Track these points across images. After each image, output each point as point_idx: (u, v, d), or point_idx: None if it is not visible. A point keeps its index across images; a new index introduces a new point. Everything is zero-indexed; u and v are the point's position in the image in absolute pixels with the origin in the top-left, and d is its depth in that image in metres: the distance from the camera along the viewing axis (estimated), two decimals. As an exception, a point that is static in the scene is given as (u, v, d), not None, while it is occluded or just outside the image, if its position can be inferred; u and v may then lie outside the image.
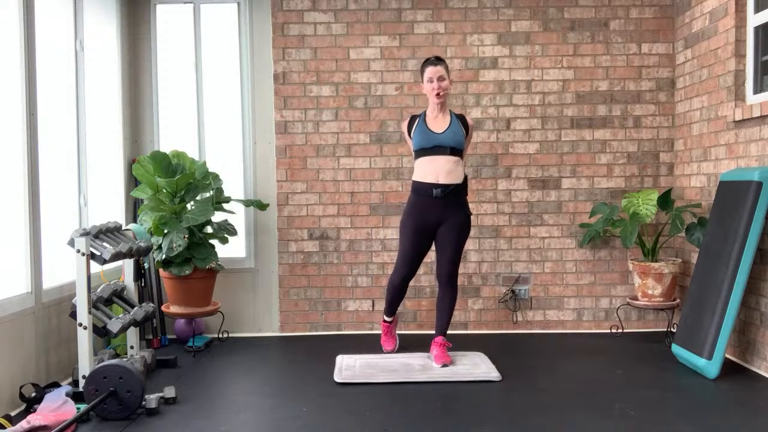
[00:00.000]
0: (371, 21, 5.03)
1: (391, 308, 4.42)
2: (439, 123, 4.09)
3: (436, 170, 4.01)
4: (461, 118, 4.15)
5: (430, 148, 4.03)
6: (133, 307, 4.05)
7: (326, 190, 5.05)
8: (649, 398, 3.44)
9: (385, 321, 4.49)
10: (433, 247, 4.24)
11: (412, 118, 4.19)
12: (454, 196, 4.04)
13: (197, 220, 4.40)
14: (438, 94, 4.04)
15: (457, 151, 4.03)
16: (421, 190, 4.07)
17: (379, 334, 4.58)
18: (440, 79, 4.04)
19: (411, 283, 4.84)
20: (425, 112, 4.17)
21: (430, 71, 4.06)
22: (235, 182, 5.08)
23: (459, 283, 4.96)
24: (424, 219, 4.08)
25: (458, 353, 4.24)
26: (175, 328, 4.92)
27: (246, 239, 5.10)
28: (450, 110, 4.19)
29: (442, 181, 4.00)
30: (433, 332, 4.24)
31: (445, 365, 4.00)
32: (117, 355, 4.05)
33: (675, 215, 4.52)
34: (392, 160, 5.03)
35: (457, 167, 4.03)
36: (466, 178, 4.10)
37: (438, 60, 4.11)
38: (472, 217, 4.19)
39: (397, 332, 4.65)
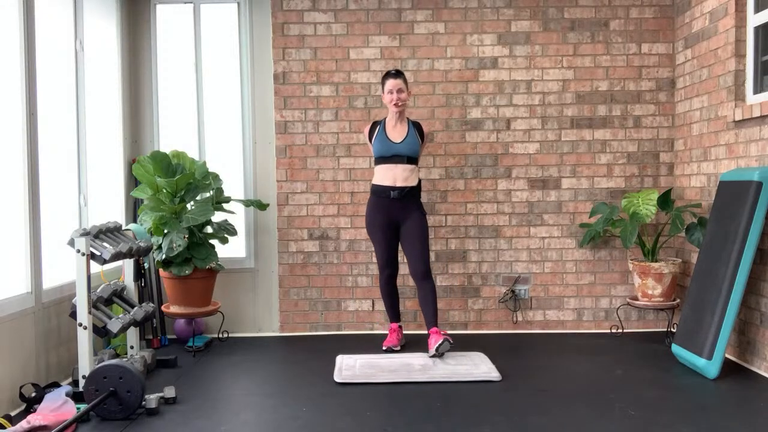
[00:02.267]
0: (371, 21, 5.03)
1: (393, 312, 4.58)
2: (397, 132, 4.39)
3: (393, 176, 4.36)
4: (417, 127, 4.46)
5: (389, 157, 4.36)
6: (133, 307, 4.06)
7: (326, 190, 5.05)
8: (649, 398, 3.44)
9: (393, 322, 4.61)
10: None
11: (374, 125, 4.48)
12: (409, 197, 4.37)
13: (197, 220, 4.40)
14: (396, 104, 4.33)
15: (413, 159, 4.39)
16: (380, 192, 4.39)
17: (380, 334, 4.60)
18: (399, 91, 4.35)
19: (410, 284, 4.85)
20: (385, 119, 4.45)
21: (390, 84, 4.36)
22: (235, 182, 5.08)
23: (459, 284, 5.00)
24: (385, 216, 4.39)
25: (458, 353, 4.24)
26: (175, 328, 4.92)
27: (246, 239, 5.10)
28: (407, 118, 4.50)
29: (399, 184, 4.34)
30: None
31: (446, 341, 4.09)
32: (117, 355, 4.04)
33: (675, 215, 4.52)
34: (392, 160, 5.03)
35: (413, 174, 4.38)
36: (420, 181, 4.44)
37: (398, 73, 4.41)
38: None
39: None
